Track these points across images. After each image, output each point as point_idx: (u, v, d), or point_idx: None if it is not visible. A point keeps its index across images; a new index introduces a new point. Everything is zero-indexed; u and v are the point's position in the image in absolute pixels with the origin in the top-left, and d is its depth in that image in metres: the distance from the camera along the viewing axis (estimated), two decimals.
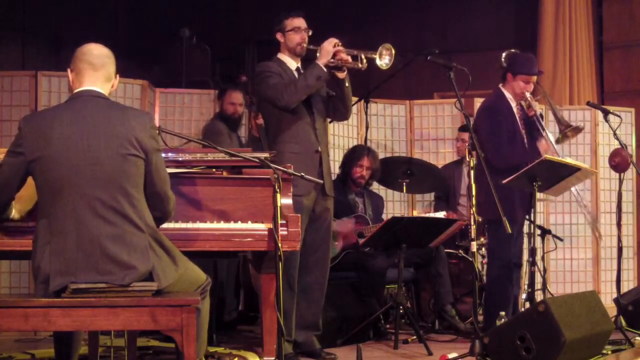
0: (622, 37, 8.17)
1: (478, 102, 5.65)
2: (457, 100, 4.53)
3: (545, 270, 5.39)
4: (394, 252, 5.33)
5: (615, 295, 5.50)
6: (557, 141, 5.11)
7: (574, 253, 6.79)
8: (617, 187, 5.51)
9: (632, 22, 8.12)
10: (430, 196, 6.68)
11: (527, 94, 5.05)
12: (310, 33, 4.62)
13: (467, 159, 4.66)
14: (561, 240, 6.07)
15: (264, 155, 3.69)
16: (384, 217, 6.02)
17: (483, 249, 5.95)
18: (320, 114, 4.66)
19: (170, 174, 3.30)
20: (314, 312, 4.65)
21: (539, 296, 5.21)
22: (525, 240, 5.23)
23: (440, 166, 6.47)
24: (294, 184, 3.91)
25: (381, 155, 6.22)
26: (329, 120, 4.94)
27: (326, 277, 4.69)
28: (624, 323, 5.32)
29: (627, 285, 6.56)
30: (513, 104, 5.11)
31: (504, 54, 5.20)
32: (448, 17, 9.11)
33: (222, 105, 5.90)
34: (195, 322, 3.04)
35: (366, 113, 6.37)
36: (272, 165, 3.48)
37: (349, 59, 4.47)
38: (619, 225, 5.47)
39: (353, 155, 5.81)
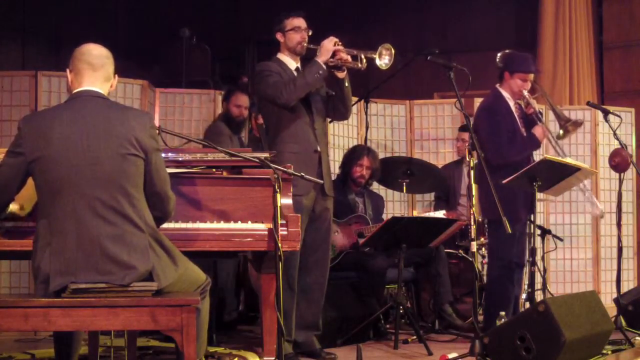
0: (622, 37, 8.17)
1: (478, 102, 5.65)
2: (457, 100, 4.53)
3: (545, 270, 5.39)
4: (394, 252, 5.33)
5: (615, 295, 5.50)
6: (559, 137, 5.11)
7: (574, 253, 6.79)
8: (617, 187, 5.51)
9: (632, 22, 8.12)
10: (430, 196, 6.69)
11: (525, 92, 5.05)
12: (310, 33, 4.62)
13: (467, 159, 4.66)
14: (561, 240, 6.07)
15: (264, 155, 3.69)
16: (384, 217, 6.02)
17: (483, 249, 5.95)
18: (319, 114, 4.66)
19: (170, 174, 3.30)
20: (314, 312, 4.65)
21: (539, 296, 5.22)
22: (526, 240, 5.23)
23: (440, 166, 6.48)
24: (293, 183, 3.91)
25: (381, 155, 6.22)
26: (329, 120, 4.94)
27: (326, 277, 4.69)
28: (624, 323, 5.32)
29: (627, 285, 6.56)
30: (511, 103, 5.11)
31: (499, 55, 5.21)
32: (448, 17, 9.11)
33: (227, 106, 5.87)
34: (195, 322, 3.04)
35: (366, 113, 6.37)
36: (272, 165, 3.48)
37: (349, 58, 4.47)
38: (619, 225, 5.47)
39: (353, 155, 5.81)
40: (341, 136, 6.48)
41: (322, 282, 4.67)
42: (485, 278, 5.71)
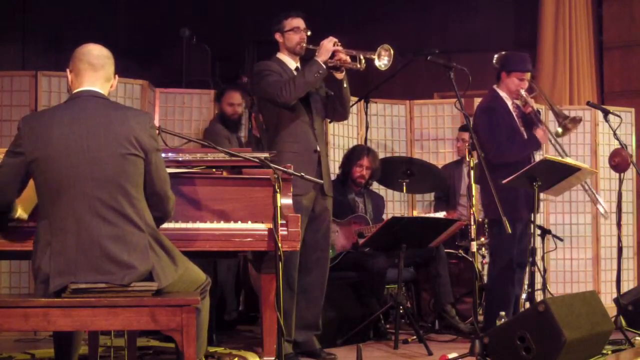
0: (622, 37, 8.17)
1: (478, 102, 5.65)
2: (457, 100, 4.53)
3: (545, 270, 5.39)
4: (394, 252, 5.32)
5: (615, 295, 5.50)
6: (558, 135, 5.12)
7: (574, 253, 6.79)
8: (617, 187, 5.51)
9: (632, 22, 8.12)
10: (430, 196, 6.69)
11: (522, 91, 5.06)
12: (309, 33, 4.62)
13: (467, 159, 4.66)
14: (561, 240, 6.07)
15: (264, 155, 3.69)
16: (384, 217, 6.02)
17: (483, 249, 5.96)
18: (318, 114, 4.66)
19: (170, 174, 3.30)
20: (314, 312, 4.65)
21: (539, 296, 5.22)
22: None
23: (440, 166, 6.48)
24: (292, 183, 3.91)
25: (381, 155, 6.22)
26: (328, 120, 4.94)
27: (326, 277, 4.69)
28: (624, 323, 5.31)
29: (627, 285, 6.56)
30: (509, 103, 5.12)
31: (495, 56, 5.22)
32: (448, 17, 9.11)
33: (221, 106, 5.87)
34: (195, 322, 3.04)
35: (366, 113, 6.37)
36: (272, 165, 3.48)
37: (348, 59, 4.47)
38: (619, 225, 5.47)
39: (353, 155, 5.81)
40: (341, 136, 6.48)
41: (322, 282, 4.67)
42: (485, 278, 5.71)
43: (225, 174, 3.86)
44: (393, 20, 9.02)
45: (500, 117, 5.04)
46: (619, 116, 5.57)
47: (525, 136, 5.10)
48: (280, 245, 3.40)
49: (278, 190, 3.43)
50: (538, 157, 5.35)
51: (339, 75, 4.54)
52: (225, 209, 3.74)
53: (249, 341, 5.32)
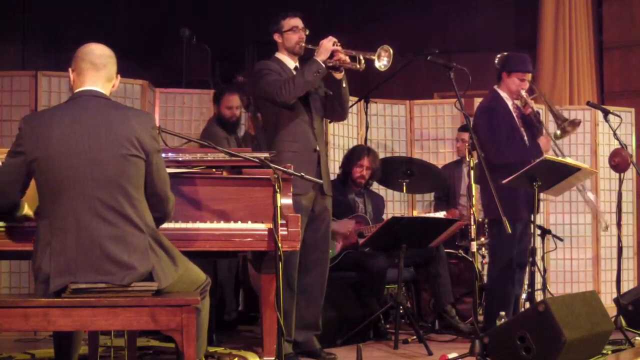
0: (622, 37, 8.17)
1: (478, 102, 5.65)
2: (457, 100, 4.53)
3: (545, 270, 5.39)
4: (394, 252, 5.32)
5: (615, 295, 5.50)
6: (557, 137, 5.13)
7: (574, 253, 6.79)
8: (617, 187, 5.51)
9: (632, 22, 8.12)
10: (430, 196, 6.69)
11: (523, 92, 5.07)
12: (307, 32, 4.62)
13: (467, 159, 4.66)
14: (561, 240, 6.07)
15: (264, 155, 3.69)
16: (384, 217, 6.02)
17: (483, 249, 5.96)
18: (318, 113, 4.66)
19: (170, 174, 3.30)
20: (314, 312, 4.65)
21: (539, 296, 5.22)
22: None
23: (440, 166, 6.47)
24: (292, 183, 3.90)
25: (381, 155, 6.22)
26: (328, 120, 4.94)
27: (326, 276, 4.69)
28: (624, 323, 5.31)
29: (627, 285, 6.56)
30: (509, 103, 5.12)
31: (497, 57, 5.23)
32: (448, 17, 9.10)
33: (219, 108, 5.83)
34: (195, 322, 3.04)
35: (366, 113, 6.37)
36: (272, 165, 3.48)
37: (347, 59, 4.47)
38: (619, 225, 5.47)
39: (353, 156, 5.81)
40: (341, 136, 6.48)
41: (322, 282, 4.67)
42: (485, 278, 5.71)
43: (225, 174, 3.86)
44: (393, 20, 9.02)
45: (501, 117, 5.05)
46: (619, 116, 5.56)
47: (526, 137, 5.10)
48: (280, 245, 3.40)
49: (278, 190, 3.43)
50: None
51: (338, 75, 4.53)
52: (225, 209, 3.73)
53: (249, 341, 5.32)
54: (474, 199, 4.51)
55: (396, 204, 6.69)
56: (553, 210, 6.75)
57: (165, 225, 3.38)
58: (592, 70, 8.09)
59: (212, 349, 4.69)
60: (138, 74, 6.17)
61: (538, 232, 5.33)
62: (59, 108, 3.19)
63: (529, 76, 5.12)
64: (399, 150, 6.78)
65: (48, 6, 8.56)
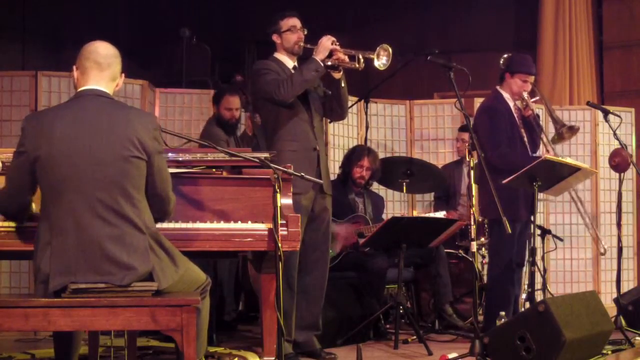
0: (622, 37, 8.17)
1: (478, 102, 5.66)
2: (457, 100, 4.53)
3: (545, 270, 5.39)
4: (394, 252, 5.33)
5: (615, 295, 5.50)
6: (554, 141, 5.14)
7: (574, 253, 6.79)
8: (617, 187, 5.52)
9: (632, 22, 8.12)
10: (430, 196, 6.69)
11: (525, 94, 5.07)
12: (305, 32, 4.61)
13: (467, 159, 4.66)
14: (561, 240, 6.07)
15: (264, 155, 3.69)
16: (384, 217, 6.02)
17: (483, 249, 5.96)
18: (317, 112, 4.66)
19: (170, 174, 3.29)
20: (314, 312, 4.65)
21: (539, 296, 5.22)
22: None
23: (440, 166, 6.48)
24: (292, 183, 3.90)
25: (381, 155, 6.22)
26: (328, 120, 4.94)
27: (326, 276, 4.69)
28: (624, 323, 5.32)
29: (627, 285, 6.56)
30: (511, 104, 5.13)
31: (503, 57, 5.23)
32: (448, 17, 9.11)
33: (218, 110, 5.82)
34: (195, 322, 3.04)
35: (366, 113, 6.36)
36: (272, 165, 3.48)
37: (346, 58, 4.47)
38: (619, 225, 5.47)
39: (353, 156, 5.81)
40: (341, 136, 6.48)
41: (322, 282, 4.67)
42: (485, 278, 5.71)
43: (225, 174, 3.86)
44: (393, 20, 9.02)
45: (502, 117, 5.05)
46: (619, 116, 5.57)
47: (526, 138, 5.11)
48: (280, 245, 3.40)
49: (278, 190, 3.43)
50: None
51: (337, 75, 4.53)
52: (225, 209, 3.73)
53: (249, 341, 5.32)
54: (474, 199, 4.51)
55: (396, 204, 6.69)
56: (553, 210, 6.75)
57: (165, 225, 3.39)
58: (592, 70, 8.10)
59: (212, 349, 4.69)
60: (138, 74, 6.17)
61: (538, 232, 5.33)
62: (61, 107, 3.18)
63: (531, 78, 5.13)
64: (399, 150, 6.78)
65: (48, 6, 8.55)
